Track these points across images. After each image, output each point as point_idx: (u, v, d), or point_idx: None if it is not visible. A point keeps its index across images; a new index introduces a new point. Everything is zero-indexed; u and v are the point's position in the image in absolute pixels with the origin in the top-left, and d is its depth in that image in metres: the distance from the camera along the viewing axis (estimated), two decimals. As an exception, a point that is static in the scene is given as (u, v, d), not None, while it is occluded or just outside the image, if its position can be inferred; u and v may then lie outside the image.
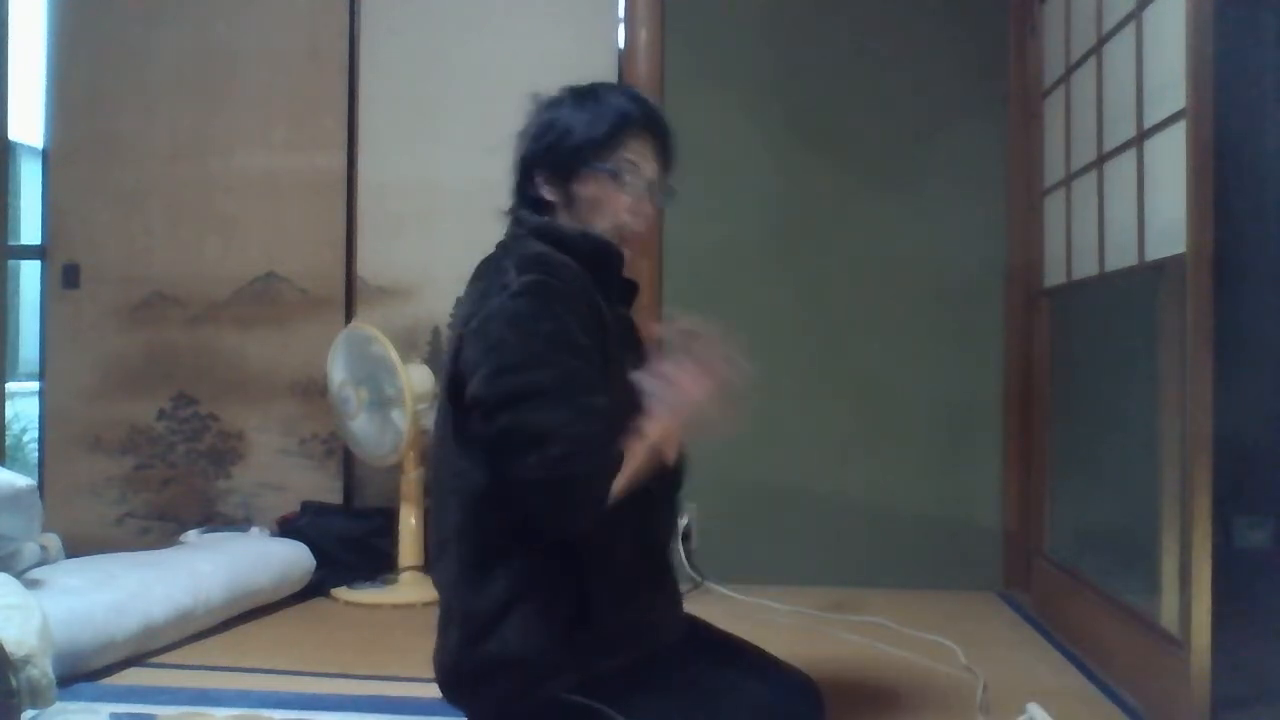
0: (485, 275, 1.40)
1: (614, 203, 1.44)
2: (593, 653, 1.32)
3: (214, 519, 3.15)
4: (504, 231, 1.49)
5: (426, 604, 2.65)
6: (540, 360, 1.27)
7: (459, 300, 1.49)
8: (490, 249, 1.46)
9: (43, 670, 1.68)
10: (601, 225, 1.44)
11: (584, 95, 1.47)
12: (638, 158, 1.45)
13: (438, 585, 1.43)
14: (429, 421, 2.97)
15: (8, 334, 3.42)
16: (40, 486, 2.87)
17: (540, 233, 1.43)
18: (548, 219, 1.45)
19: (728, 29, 3.00)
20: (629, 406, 1.32)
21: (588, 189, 1.44)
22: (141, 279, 3.23)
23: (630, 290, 1.53)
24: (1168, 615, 1.88)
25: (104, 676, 2.06)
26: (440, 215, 3.07)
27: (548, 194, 1.45)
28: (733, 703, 1.40)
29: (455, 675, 1.37)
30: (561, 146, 1.43)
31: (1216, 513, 1.74)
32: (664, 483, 1.41)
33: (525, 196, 1.48)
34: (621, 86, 1.55)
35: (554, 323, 1.29)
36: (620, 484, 1.27)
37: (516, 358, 1.27)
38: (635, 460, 1.29)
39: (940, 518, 2.90)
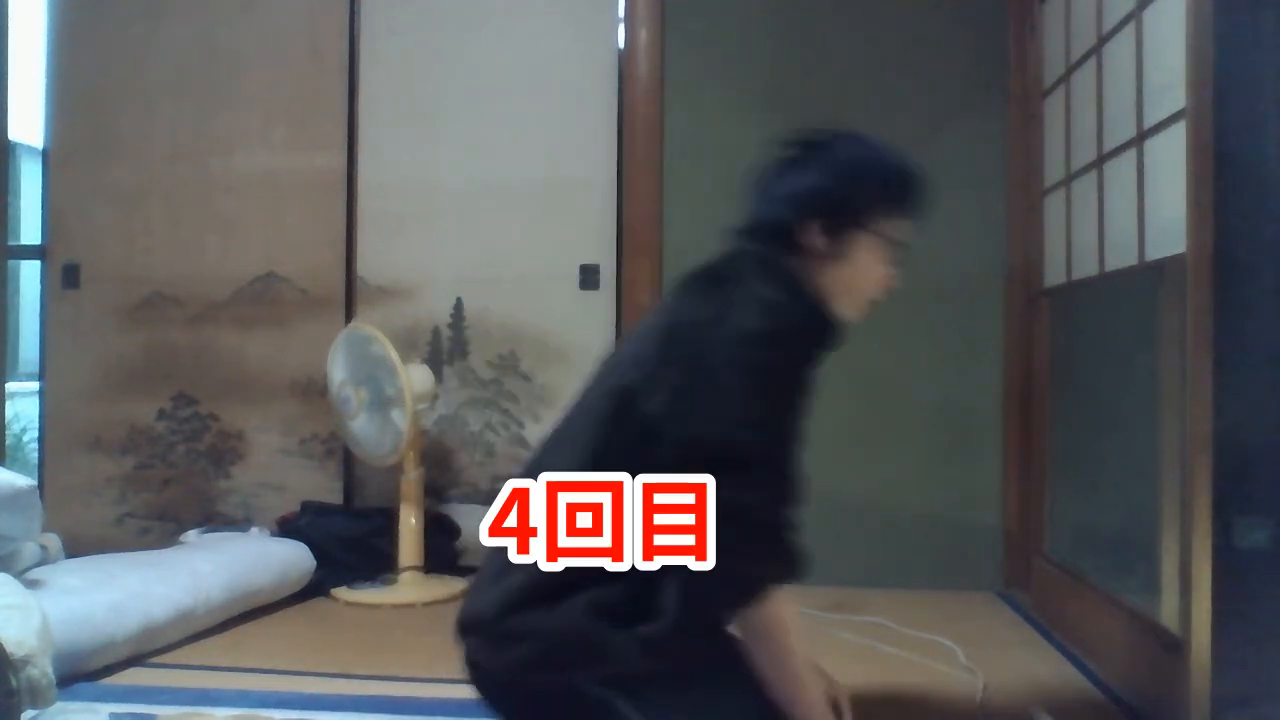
0: (713, 296, 1.32)
1: (875, 271, 1.40)
2: (640, 654, 1.28)
3: (214, 519, 3.16)
4: (731, 249, 1.41)
5: (426, 604, 2.65)
6: (757, 423, 1.22)
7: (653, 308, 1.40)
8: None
9: (43, 670, 1.67)
10: (852, 290, 1.40)
11: (879, 153, 1.43)
12: (905, 229, 1.42)
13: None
14: (429, 421, 2.98)
15: (8, 334, 3.42)
16: (40, 486, 2.87)
17: (780, 277, 1.34)
18: (794, 267, 1.37)
19: (728, 29, 2.99)
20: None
21: (859, 251, 1.38)
22: (141, 279, 3.23)
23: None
24: (1168, 615, 1.88)
25: (104, 676, 2.06)
26: (440, 215, 3.06)
27: (814, 240, 1.37)
28: (735, 701, 1.40)
29: (490, 627, 1.31)
30: (856, 201, 1.38)
31: (1216, 513, 1.73)
32: None
33: (780, 229, 1.39)
34: (896, 149, 1.50)
35: (781, 384, 1.25)
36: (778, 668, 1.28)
37: (733, 410, 1.22)
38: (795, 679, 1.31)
39: (940, 518, 2.90)
